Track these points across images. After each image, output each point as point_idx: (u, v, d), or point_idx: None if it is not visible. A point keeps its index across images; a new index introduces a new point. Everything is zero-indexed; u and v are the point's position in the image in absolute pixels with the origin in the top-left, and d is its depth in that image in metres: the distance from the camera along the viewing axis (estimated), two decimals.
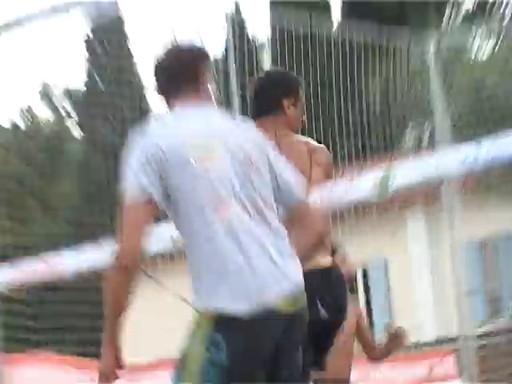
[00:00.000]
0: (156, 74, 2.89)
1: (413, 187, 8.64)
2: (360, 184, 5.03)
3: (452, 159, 6.19)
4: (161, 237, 5.23)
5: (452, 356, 9.83)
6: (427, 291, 13.96)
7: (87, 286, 10.62)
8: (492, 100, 9.15)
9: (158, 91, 2.90)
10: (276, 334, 2.49)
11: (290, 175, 2.78)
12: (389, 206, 11.35)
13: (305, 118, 3.87)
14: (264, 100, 3.78)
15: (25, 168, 20.59)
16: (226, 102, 9.58)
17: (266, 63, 20.62)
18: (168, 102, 2.86)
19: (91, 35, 20.06)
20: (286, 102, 3.75)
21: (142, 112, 14.52)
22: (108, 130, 14.42)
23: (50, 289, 12.29)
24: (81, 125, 22.12)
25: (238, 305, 2.43)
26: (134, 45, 21.53)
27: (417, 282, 13.81)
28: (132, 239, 2.56)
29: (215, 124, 2.71)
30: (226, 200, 2.53)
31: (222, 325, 2.42)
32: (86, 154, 19.50)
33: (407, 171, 6.17)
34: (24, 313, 13.63)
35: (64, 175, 21.18)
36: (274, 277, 2.51)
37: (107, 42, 15.08)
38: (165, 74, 2.86)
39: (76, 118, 23.39)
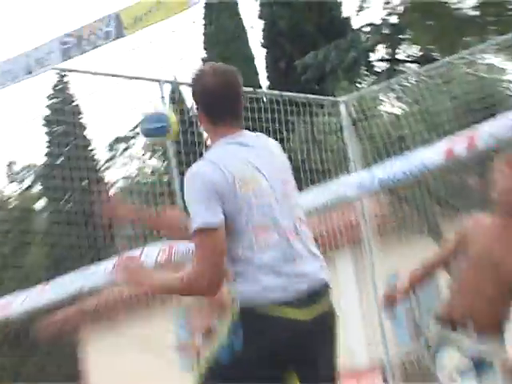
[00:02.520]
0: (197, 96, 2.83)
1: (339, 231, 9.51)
2: None
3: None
4: None
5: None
6: (357, 320, 15.34)
7: None
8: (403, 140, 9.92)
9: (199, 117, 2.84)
10: None
11: None
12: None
13: None
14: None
15: None
16: None
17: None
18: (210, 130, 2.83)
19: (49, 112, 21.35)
20: None
21: (97, 182, 15.62)
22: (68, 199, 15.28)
23: None
24: (43, 196, 22.64)
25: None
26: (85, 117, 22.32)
27: (348, 312, 15.12)
28: (218, 265, 2.60)
29: (255, 156, 2.78)
30: (264, 227, 2.68)
31: None
32: (49, 223, 19.05)
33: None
34: None
35: (32, 244, 21.50)
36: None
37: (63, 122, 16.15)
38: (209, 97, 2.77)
39: (39, 190, 23.90)
